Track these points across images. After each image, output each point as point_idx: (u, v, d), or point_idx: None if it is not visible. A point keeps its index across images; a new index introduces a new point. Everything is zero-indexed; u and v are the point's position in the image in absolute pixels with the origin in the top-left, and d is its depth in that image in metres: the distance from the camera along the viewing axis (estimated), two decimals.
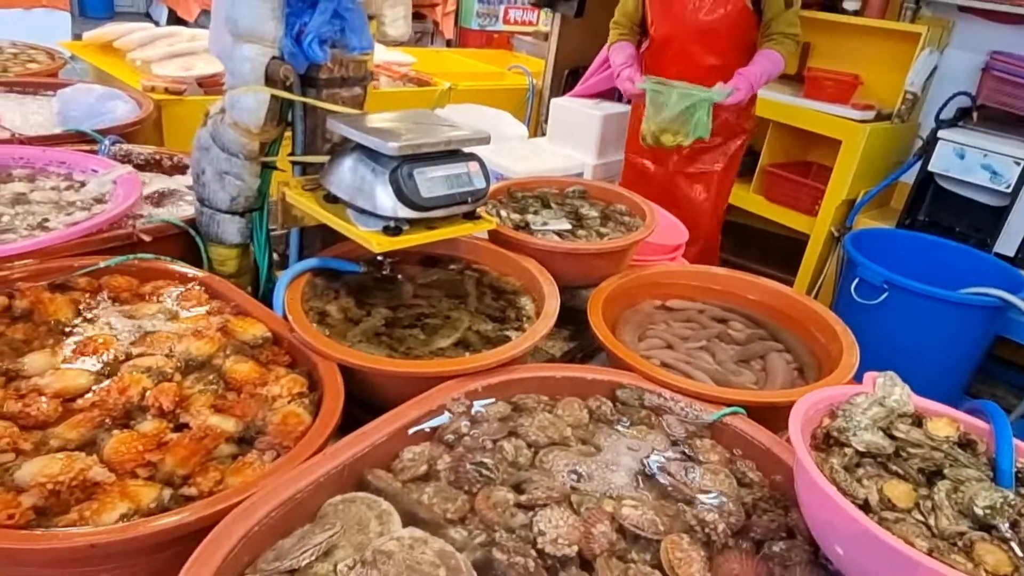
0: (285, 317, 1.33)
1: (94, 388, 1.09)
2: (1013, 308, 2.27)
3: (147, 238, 1.54)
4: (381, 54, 3.35)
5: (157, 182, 1.90)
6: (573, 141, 3.12)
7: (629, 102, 3.53)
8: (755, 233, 3.31)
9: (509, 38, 4.94)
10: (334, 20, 1.36)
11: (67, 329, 1.23)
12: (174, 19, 6.41)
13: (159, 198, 1.82)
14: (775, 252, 3.28)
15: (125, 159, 2.02)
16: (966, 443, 1.01)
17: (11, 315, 1.24)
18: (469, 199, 1.41)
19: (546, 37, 5.06)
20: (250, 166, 1.51)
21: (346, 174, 1.38)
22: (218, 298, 1.39)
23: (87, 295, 1.33)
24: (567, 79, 3.68)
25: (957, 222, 2.76)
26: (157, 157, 2.05)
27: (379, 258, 1.58)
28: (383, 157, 1.33)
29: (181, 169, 2.02)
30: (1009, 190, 2.50)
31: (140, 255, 1.46)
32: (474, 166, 1.43)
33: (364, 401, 1.24)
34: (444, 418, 1.16)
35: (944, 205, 2.76)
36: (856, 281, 2.49)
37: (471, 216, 1.47)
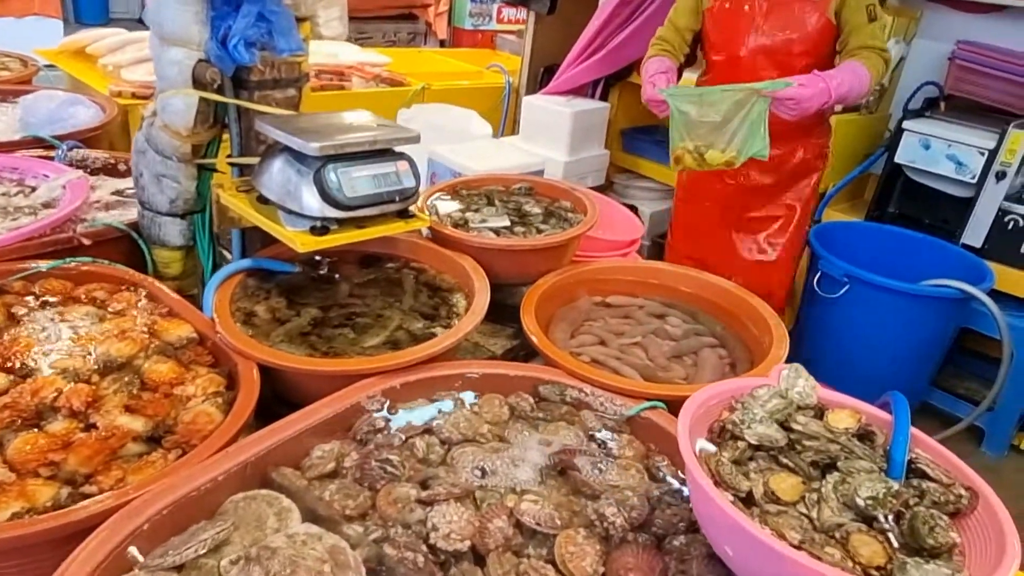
0: (212, 318, 1.34)
1: (10, 390, 1.10)
2: (975, 300, 2.26)
3: (87, 242, 1.56)
4: (355, 54, 3.37)
5: (110, 187, 1.92)
6: (544, 139, 3.12)
7: (605, 98, 3.53)
8: None
9: (493, 37, 4.94)
10: (259, 23, 1.37)
11: None
12: None
13: (111, 202, 1.84)
14: None
15: (81, 164, 2.05)
16: (865, 434, 1.01)
17: None
18: (397, 198, 1.42)
19: (519, 35, 5.08)
20: (185, 168, 1.52)
21: (274, 175, 1.39)
22: (153, 300, 1.41)
23: (20, 299, 1.35)
24: (542, 77, 3.68)
25: (926, 214, 2.74)
26: (112, 162, 2.07)
27: (316, 258, 1.59)
28: (307, 158, 1.34)
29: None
30: (975, 181, 2.49)
31: (79, 259, 1.47)
32: (403, 165, 1.44)
33: (291, 403, 1.25)
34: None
35: (913, 197, 2.75)
36: (818, 275, 2.48)
37: (404, 215, 1.48)
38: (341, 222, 1.39)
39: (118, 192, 1.88)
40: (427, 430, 1.18)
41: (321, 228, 1.36)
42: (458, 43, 8.55)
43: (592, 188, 3.17)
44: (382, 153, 1.42)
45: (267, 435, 1.07)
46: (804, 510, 0.90)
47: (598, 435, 1.20)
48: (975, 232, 2.53)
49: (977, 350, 2.67)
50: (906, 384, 2.62)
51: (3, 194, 1.77)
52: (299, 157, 1.36)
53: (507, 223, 1.67)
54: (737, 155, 2.08)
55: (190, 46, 1.36)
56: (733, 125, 2.06)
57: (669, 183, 3.50)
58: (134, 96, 2.62)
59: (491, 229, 1.64)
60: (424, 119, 2.61)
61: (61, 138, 2.11)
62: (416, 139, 1.46)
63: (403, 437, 1.15)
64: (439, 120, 2.64)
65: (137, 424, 1.08)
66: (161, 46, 1.37)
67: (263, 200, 1.46)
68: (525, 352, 1.69)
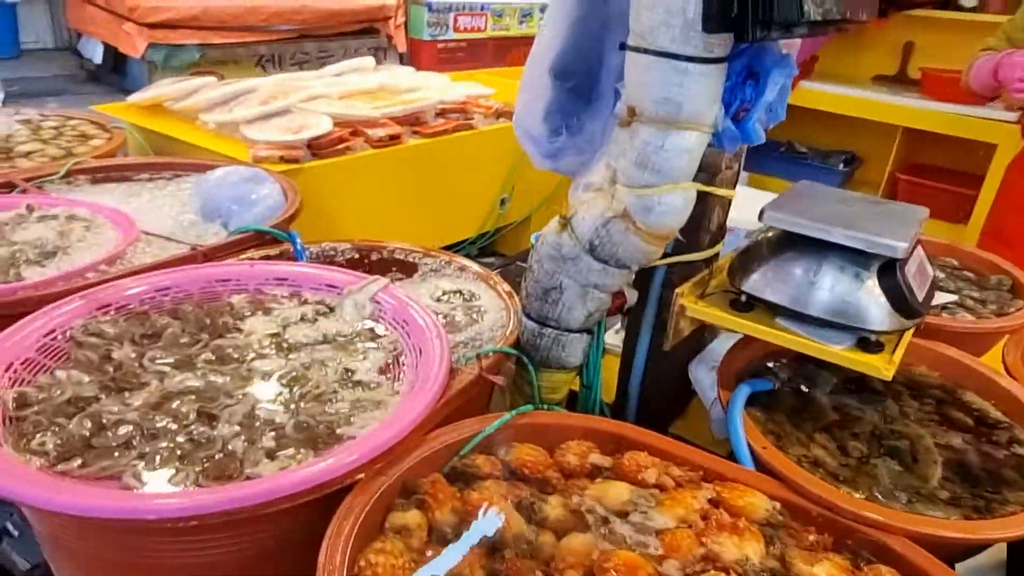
0: (766, 469, 1.04)
1: None
2: None
3: (500, 381, 1.21)
4: (461, 88, 3.01)
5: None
6: None
7: None
8: None
9: (524, 55, 4.62)
10: (781, 91, 1.08)
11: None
12: (113, 56, 5.71)
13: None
14: None
15: (328, 260, 1.65)
16: None
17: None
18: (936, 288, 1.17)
19: None
20: (627, 276, 1.21)
21: (795, 277, 1.11)
22: (658, 455, 1.08)
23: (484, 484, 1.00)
24: None
25: None
26: (358, 255, 1.69)
27: (770, 365, 1.31)
28: (866, 257, 1.07)
29: (392, 266, 1.66)
30: None
31: (522, 408, 1.12)
32: (920, 250, 1.19)
33: None
34: None
35: None
36: None
37: None
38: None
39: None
40: None
41: (876, 343, 1.09)
42: (416, 55, 8.16)
43: None
44: None
45: None
46: None
47: None
48: None
49: None
50: None
51: (303, 319, 1.36)
52: (846, 254, 1.08)
53: (952, 297, 1.44)
54: None
55: (703, 128, 1.05)
56: None
57: None
58: (283, 160, 2.18)
59: (947, 306, 1.41)
60: None
61: (277, 227, 1.69)
62: None
63: None
64: None
65: None
66: (664, 132, 1.05)
67: (744, 305, 1.17)
68: None
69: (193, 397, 1.11)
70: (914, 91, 3.02)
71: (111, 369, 1.16)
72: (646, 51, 1.02)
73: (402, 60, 7.86)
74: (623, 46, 1.09)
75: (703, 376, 1.37)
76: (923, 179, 2.95)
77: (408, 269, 1.64)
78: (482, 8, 8.56)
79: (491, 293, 1.52)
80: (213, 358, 1.22)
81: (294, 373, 1.18)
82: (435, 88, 2.91)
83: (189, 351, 1.23)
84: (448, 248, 2.94)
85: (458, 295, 1.53)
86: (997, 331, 1.35)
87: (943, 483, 1.08)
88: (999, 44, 2.32)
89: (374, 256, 1.68)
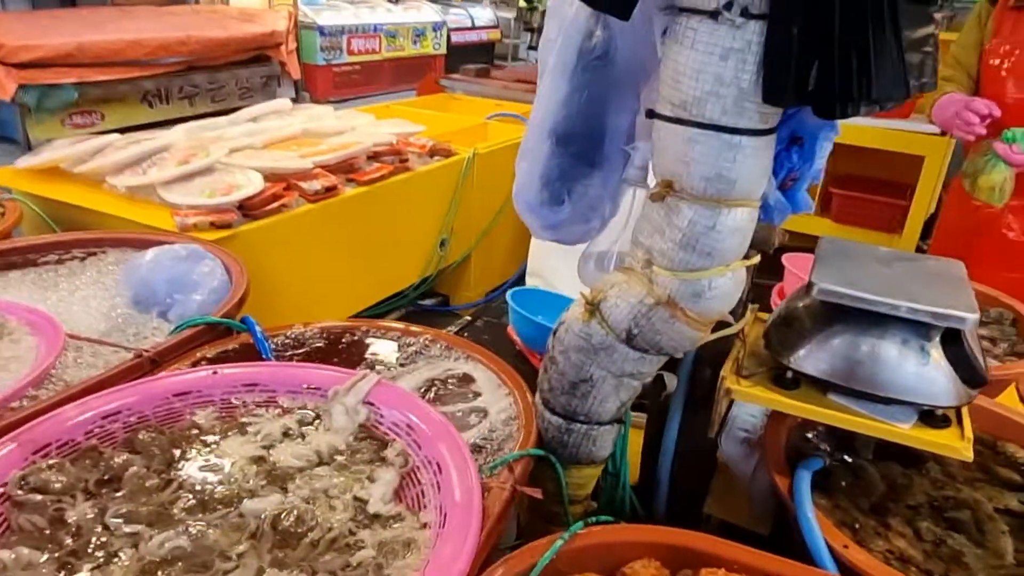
0: (852, 572, 0.95)
1: None
2: None
3: (538, 494, 1.07)
4: (389, 127, 2.83)
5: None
6: None
7: None
8: None
9: (436, 80, 4.48)
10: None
11: None
12: None
13: None
14: None
15: (295, 349, 1.46)
16: None
17: None
18: None
19: (477, 73, 4.69)
20: (659, 361, 1.09)
21: (850, 352, 1.03)
22: (735, 568, 0.97)
23: None
24: None
25: None
26: (328, 342, 1.50)
27: (809, 436, 1.22)
28: (928, 327, 1.00)
29: (369, 350, 1.49)
30: None
31: (573, 528, 0.99)
32: None
33: None
34: None
35: None
36: None
37: None
38: None
39: None
40: None
41: (943, 418, 1.02)
42: (311, 81, 7.87)
43: None
44: None
45: None
46: None
47: None
48: None
49: None
50: None
51: (286, 436, 1.17)
52: (907, 327, 1.01)
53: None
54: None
55: (752, 203, 0.95)
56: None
57: None
58: (213, 226, 1.95)
59: None
60: None
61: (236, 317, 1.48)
62: None
63: None
64: None
65: None
66: (714, 210, 0.94)
67: (788, 383, 1.09)
68: None
69: (180, 566, 0.91)
70: None
71: (68, 539, 0.95)
72: (688, 122, 0.91)
73: (297, 87, 7.55)
74: (651, 114, 0.98)
75: (733, 449, 1.28)
76: (854, 191, 3.02)
77: (388, 352, 1.47)
78: (375, 29, 8.34)
79: (487, 373, 1.38)
80: (193, 502, 1.02)
81: (296, 512, 1.00)
82: (362, 129, 2.73)
83: (161, 497, 1.02)
84: (391, 297, 2.79)
85: (452, 381, 1.37)
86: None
87: (1019, 557, 1.02)
88: (954, 73, 2.25)
89: (346, 339, 1.49)
